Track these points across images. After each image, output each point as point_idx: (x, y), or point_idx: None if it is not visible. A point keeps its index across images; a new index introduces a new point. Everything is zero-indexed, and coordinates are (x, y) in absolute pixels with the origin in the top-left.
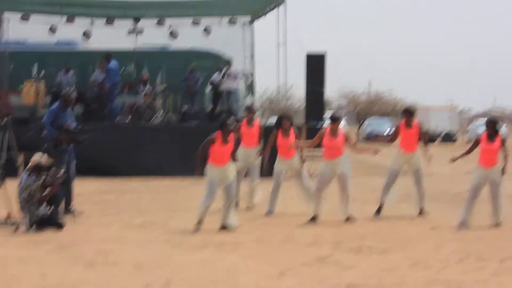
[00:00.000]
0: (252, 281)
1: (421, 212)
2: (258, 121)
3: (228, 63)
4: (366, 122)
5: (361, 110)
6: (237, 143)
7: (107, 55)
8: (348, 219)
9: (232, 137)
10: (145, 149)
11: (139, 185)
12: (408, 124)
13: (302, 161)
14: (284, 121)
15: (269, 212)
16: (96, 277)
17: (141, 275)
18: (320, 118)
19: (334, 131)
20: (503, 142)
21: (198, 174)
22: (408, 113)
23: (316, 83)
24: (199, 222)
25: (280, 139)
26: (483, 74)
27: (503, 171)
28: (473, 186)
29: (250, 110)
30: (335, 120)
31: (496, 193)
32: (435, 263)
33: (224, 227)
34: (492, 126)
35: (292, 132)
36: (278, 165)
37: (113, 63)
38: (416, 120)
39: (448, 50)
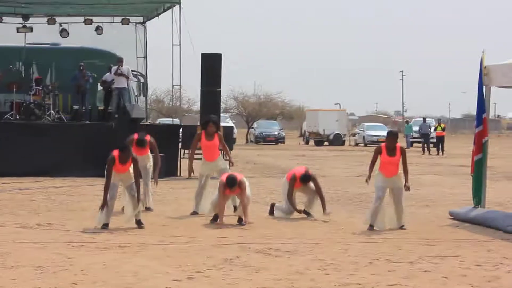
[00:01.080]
0: (160, 285)
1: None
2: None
3: (119, 61)
4: (255, 125)
5: (251, 112)
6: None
7: None
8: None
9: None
10: (35, 148)
11: (31, 185)
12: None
13: (231, 163)
14: (210, 125)
15: (193, 213)
16: None
17: (43, 279)
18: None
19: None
20: (403, 154)
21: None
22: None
23: (211, 83)
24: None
25: (204, 142)
26: (367, 79)
27: (406, 186)
28: (377, 188)
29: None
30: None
31: (399, 198)
32: (345, 266)
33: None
34: (393, 139)
35: (216, 136)
36: (202, 168)
37: None
38: None
39: (336, 53)
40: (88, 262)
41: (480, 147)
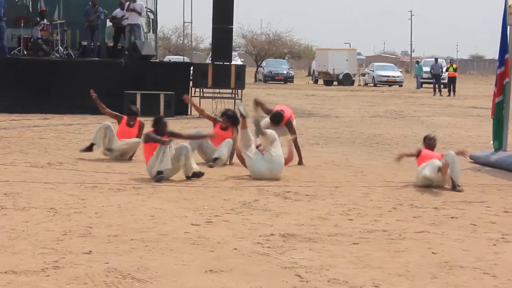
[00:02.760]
0: (178, 229)
1: None
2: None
3: None
4: (264, 63)
5: (259, 51)
6: None
7: None
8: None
9: None
10: (43, 85)
11: (40, 122)
12: None
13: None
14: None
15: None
16: (7, 225)
17: (57, 221)
18: (228, 57)
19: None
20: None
21: None
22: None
23: (223, 20)
24: None
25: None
26: (374, 19)
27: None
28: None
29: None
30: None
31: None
32: (368, 211)
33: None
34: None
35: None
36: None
37: None
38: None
39: None
40: (102, 204)
41: (501, 89)
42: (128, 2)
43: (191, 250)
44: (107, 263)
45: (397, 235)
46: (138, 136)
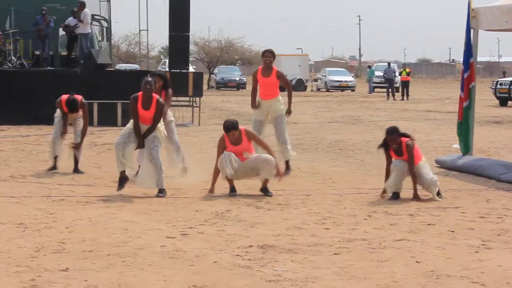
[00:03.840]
0: (154, 242)
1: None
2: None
3: (82, 5)
4: (216, 70)
5: (212, 58)
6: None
7: None
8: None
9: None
10: None
11: None
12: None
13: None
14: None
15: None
16: None
17: (28, 237)
18: (185, 65)
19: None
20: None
21: None
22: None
23: (180, 27)
24: None
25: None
26: (322, 26)
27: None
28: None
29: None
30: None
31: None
32: (343, 219)
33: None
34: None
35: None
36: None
37: None
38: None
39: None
40: (72, 218)
41: (468, 93)
42: (78, 10)
43: (170, 265)
44: (86, 280)
45: (377, 244)
46: None
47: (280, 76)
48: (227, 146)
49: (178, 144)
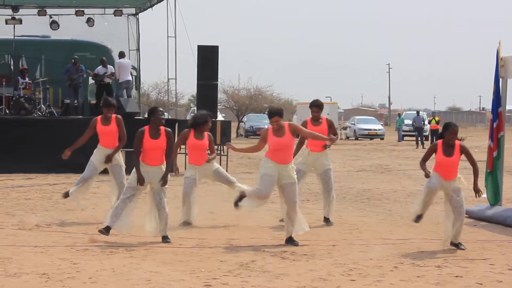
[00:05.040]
0: None
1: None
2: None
3: (121, 54)
4: (245, 118)
5: (241, 106)
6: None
7: None
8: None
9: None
10: (26, 144)
11: (24, 182)
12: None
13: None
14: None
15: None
16: None
17: (51, 287)
18: (214, 113)
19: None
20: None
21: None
22: (316, 106)
23: (208, 76)
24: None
25: (192, 141)
26: (352, 73)
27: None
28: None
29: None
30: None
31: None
32: (369, 271)
33: None
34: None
35: (205, 135)
36: (189, 171)
37: None
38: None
39: (324, 49)
40: (96, 269)
41: (497, 143)
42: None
43: None
44: None
45: None
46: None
47: (331, 124)
48: (270, 135)
49: None
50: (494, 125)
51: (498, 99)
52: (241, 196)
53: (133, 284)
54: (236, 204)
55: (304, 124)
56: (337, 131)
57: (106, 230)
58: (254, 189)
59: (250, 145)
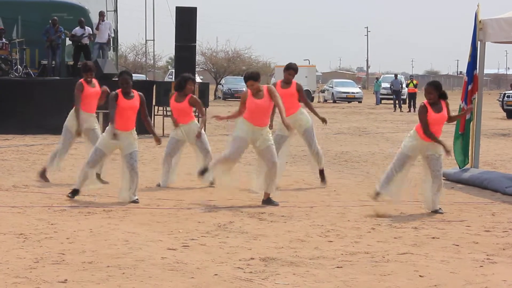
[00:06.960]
0: (155, 254)
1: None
2: None
3: (101, 15)
4: (223, 81)
5: (219, 68)
6: None
7: None
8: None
9: None
10: (2, 105)
11: (0, 143)
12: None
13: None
14: (189, 83)
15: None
16: None
17: (27, 248)
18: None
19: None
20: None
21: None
22: (293, 69)
23: (186, 38)
24: None
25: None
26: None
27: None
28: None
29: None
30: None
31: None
32: (347, 232)
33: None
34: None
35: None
36: (174, 130)
37: None
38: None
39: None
40: (73, 229)
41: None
42: (98, 21)
43: (170, 277)
44: None
45: (380, 257)
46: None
47: (300, 89)
48: (249, 97)
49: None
50: (469, 87)
51: (474, 62)
52: (205, 168)
53: (110, 244)
54: (201, 173)
55: (274, 86)
56: (315, 94)
57: (73, 194)
58: (221, 156)
59: (229, 108)
